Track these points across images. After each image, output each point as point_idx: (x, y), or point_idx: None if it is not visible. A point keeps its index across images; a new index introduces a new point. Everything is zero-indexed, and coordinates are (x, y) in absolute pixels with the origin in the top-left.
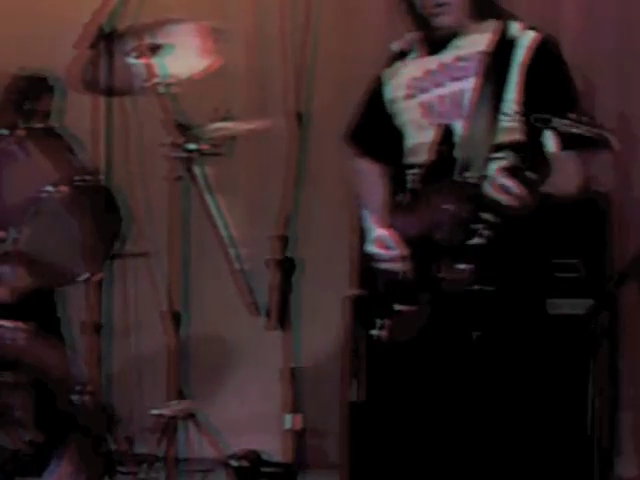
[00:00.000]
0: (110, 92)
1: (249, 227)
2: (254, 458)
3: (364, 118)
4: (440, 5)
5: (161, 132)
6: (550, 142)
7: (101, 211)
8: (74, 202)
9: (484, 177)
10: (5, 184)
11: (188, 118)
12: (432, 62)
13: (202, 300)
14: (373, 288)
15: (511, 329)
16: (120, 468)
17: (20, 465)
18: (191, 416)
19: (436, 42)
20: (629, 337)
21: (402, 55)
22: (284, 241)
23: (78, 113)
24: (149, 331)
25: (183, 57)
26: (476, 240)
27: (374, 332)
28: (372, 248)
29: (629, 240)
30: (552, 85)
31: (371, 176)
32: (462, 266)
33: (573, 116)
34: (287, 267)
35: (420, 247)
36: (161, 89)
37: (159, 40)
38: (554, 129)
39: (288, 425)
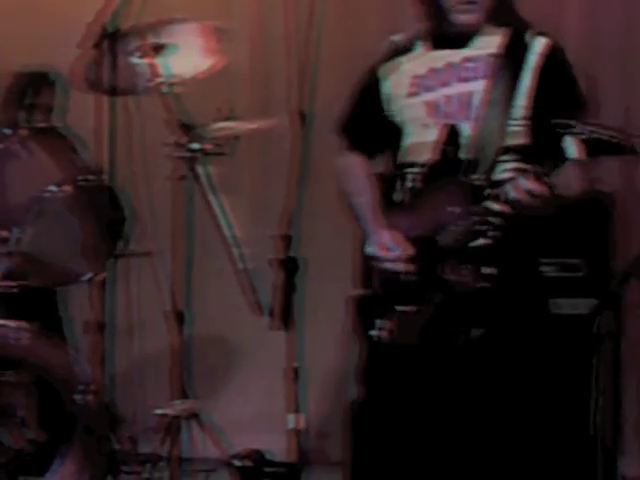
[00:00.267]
0: (113, 92)
1: (252, 226)
2: (257, 458)
3: (357, 111)
4: (469, 2)
5: (164, 132)
6: (572, 148)
7: (104, 211)
8: (77, 202)
9: (490, 179)
10: (8, 184)
11: (191, 118)
12: (438, 61)
13: (205, 300)
14: (374, 288)
15: (514, 329)
16: (123, 468)
17: (23, 464)
18: (194, 416)
19: (442, 39)
20: (632, 337)
21: (402, 51)
22: (287, 241)
23: (81, 113)
24: (152, 331)
25: (186, 57)
26: (481, 241)
27: (375, 333)
28: (373, 250)
29: (633, 239)
30: (562, 91)
31: (360, 173)
32: (467, 267)
33: (597, 122)
34: (290, 267)
35: (423, 248)
36: (164, 89)
37: (162, 40)
38: (577, 135)
39: (291, 425)
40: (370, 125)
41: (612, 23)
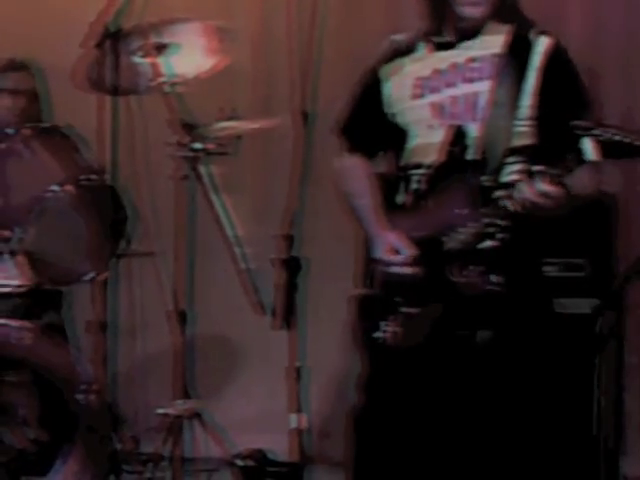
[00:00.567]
0: (116, 91)
1: (255, 226)
2: (260, 457)
3: (357, 112)
4: None
5: (167, 131)
6: (589, 150)
7: (107, 210)
8: (80, 201)
9: (498, 180)
10: (11, 183)
11: (194, 117)
12: (442, 61)
13: (207, 299)
14: (377, 289)
15: (521, 331)
16: (126, 467)
17: (25, 464)
18: (197, 415)
19: (445, 38)
20: (635, 336)
21: (404, 51)
22: (289, 240)
23: (84, 112)
24: (155, 330)
25: (189, 56)
26: (489, 243)
27: (379, 334)
28: (381, 254)
29: (634, 239)
30: (567, 90)
31: (361, 174)
32: (474, 270)
33: (615, 124)
34: (292, 266)
35: (429, 249)
36: (167, 88)
37: (165, 39)
38: (596, 137)
39: (293, 424)
40: (371, 127)
41: (614, 23)
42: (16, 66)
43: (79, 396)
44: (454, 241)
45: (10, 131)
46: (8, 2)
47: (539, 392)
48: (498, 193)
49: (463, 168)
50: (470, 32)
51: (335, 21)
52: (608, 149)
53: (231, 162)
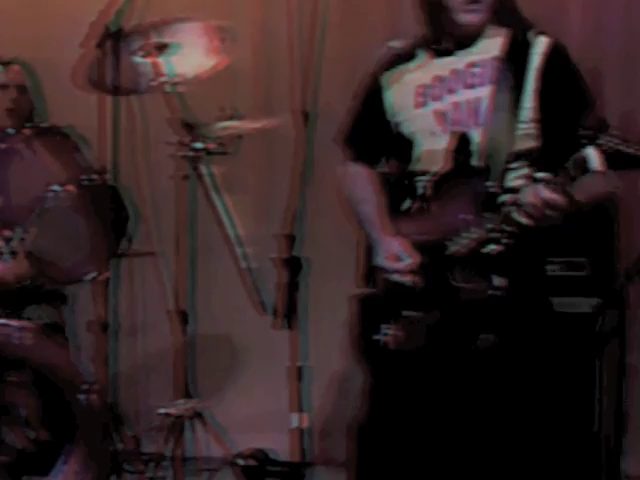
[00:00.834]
0: (117, 91)
1: (256, 226)
2: (261, 457)
3: (360, 122)
4: (474, 2)
5: (168, 131)
6: (593, 159)
7: (108, 210)
8: (81, 201)
9: (503, 186)
10: (12, 183)
11: (195, 117)
12: (442, 68)
13: (209, 299)
14: (379, 291)
15: (520, 331)
16: (127, 467)
17: (27, 464)
18: (198, 415)
19: (447, 41)
20: (637, 335)
21: (404, 58)
22: (291, 240)
23: (85, 112)
24: (156, 330)
25: (190, 56)
26: (492, 247)
27: (380, 337)
28: (383, 261)
29: (636, 238)
30: (568, 89)
31: (365, 181)
32: (478, 275)
33: (620, 134)
34: (294, 266)
35: (432, 254)
36: (168, 88)
37: (166, 39)
38: (600, 146)
39: (295, 424)
40: (374, 136)
41: (614, 23)
42: (2, 61)
43: (80, 396)
44: (457, 246)
45: (11, 131)
46: (9, 2)
47: (541, 392)
48: (503, 198)
49: (468, 174)
50: (469, 38)
51: (336, 21)
52: (612, 159)
53: (232, 162)
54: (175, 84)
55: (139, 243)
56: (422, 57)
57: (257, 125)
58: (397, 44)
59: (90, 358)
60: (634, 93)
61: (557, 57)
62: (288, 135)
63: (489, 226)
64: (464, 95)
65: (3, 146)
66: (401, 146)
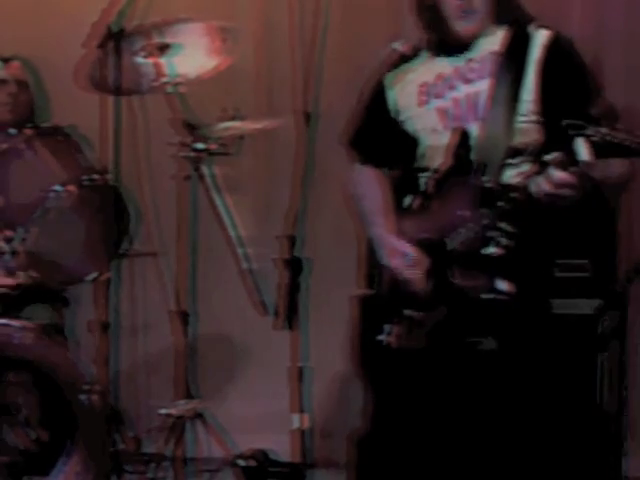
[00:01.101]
0: (118, 91)
1: (257, 226)
2: (262, 458)
3: (365, 124)
4: (468, 12)
5: (169, 131)
6: (582, 150)
7: (109, 210)
8: (82, 201)
9: (499, 182)
10: (13, 183)
11: (196, 117)
12: (445, 67)
13: (210, 299)
14: (381, 290)
15: (521, 333)
16: (127, 467)
17: (28, 464)
18: (199, 416)
19: (447, 45)
20: (638, 336)
21: (407, 58)
22: (292, 241)
23: (86, 112)
24: (157, 330)
25: (191, 56)
26: (493, 248)
27: (383, 337)
28: (388, 260)
29: (637, 239)
30: (570, 82)
31: (373, 182)
32: (478, 273)
33: (608, 124)
34: (295, 267)
35: (432, 251)
36: (169, 88)
37: (167, 39)
38: (588, 137)
39: (296, 425)
40: (380, 138)
41: (615, 21)
42: (2, 57)
43: (81, 396)
44: (454, 242)
45: (12, 131)
46: (10, 2)
47: (542, 394)
48: (503, 192)
49: (469, 170)
50: (468, 42)
51: (337, 21)
52: (600, 149)
53: (233, 162)
54: (177, 84)
55: (140, 243)
56: (424, 56)
57: (259, 126)
58: (400, 46)
59: (91, 358)
60: (636, 87)
61: (558, 49)
62: (290, 136)
63: (484, 222)
64: (464, 90)
65: (4, 146)
66: (406, 144)
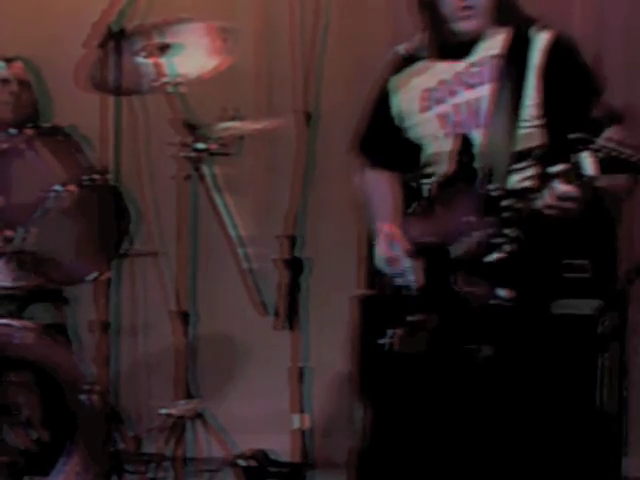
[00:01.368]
0: (119, 91)
1: (257, 226)
2: (262, 458)
3: (371, 128)
4: (468, 8)
5: (170, 131)
6: (587, 164)
7: (109, 210)
8: (82, 201)
9: (506, 189)
10: (14, 183)
11: (197, 117)
12: (446, 71)
13: (210, 300)
14: (381, 291)
15: (521, 339)
16: (128, 467)
17: (28, 464)
18: (199, 416)
19: (449, 47)
20: (637, 337)
21: (410, 60)
22: (292, 241)
23: (87, 112)
24: (157, 330)
25: (192, 56)
26: (496, 254)
27: (384, 341)
28: (384, 265)
29: (638, 239)
30: (572, 84)
31: (381, 185)
32: (480, 281)
33: (616, 138)
34: (295, 267)
35: (434, 257)
36: (170, 88)
37: (168, 39)
38: (594, 151)
39: (296, 425)
40: (388, 142)
41: (616, 19)
42: (5, 58)
43: (81, 396)
44: (458, 249)
45: (13, 131)
46: (11, 2)
47: (542, 394)
48: (508, 201)
49: (472, 177)
50: (469, 44)
51: (337, 21)
52: (606, 165)
53: (234, 162)
54: (177, 84)
55: (141, 243)
56: (426, 61)
57: (259, 126)
58: (403, 49)
59: (91, 358)
60: (636, 88)
61: (559, 52)
62: (290, 136)
63: (489, 230)
64: (464, 96)
65: (5, 146)
66: (412, 150)
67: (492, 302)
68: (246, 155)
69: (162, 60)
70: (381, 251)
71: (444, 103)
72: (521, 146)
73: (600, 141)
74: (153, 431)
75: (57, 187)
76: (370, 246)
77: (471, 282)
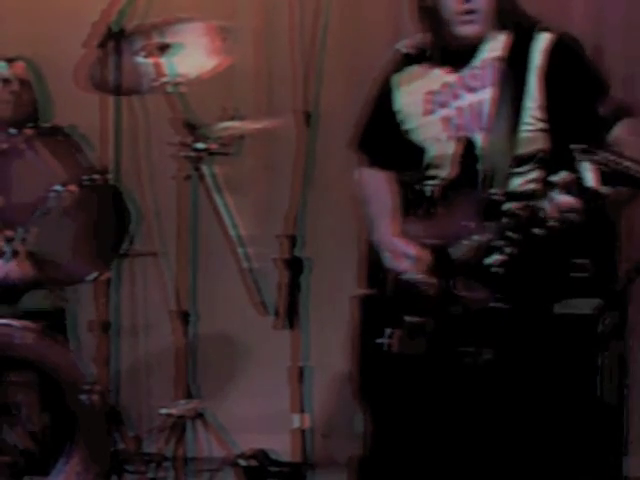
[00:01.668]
0: (118, 91)
1: (257, 226)
2: (262, 457)
3: (372, 126)
4: (469, 12)
5: (169, 131)
6: (589, 176)
7: (109, 210)
8: (82, 201)
9: (507, 193)
10: (14, 183)
11: (196, 117)
12: (449, 75)
13: (210, 299)
14: (382, 291)
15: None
16: (128, 467)
17: (28, 464)
18: (199, 415)
19: (451, 51)
20: (638, 336)
21: (411, 59)
22: (292, 240)
23: (87, 112)
24: (157, 330)
25: (191, 56)
26: (496, 257)
27: (383, 341)
28: (393, 263)
29: (638, 239)
30: (574, 85)
31: (380, 183)
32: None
33: (619, 151)
34: (295, 266)
35: (435, 260)
36: (169, 88)
37: (167, 39)
38: (597, 163)
39: (296, 424)
40: (388, 140)
41: (615, 17)
42: (7, 58)
43: (82, 396)
44: (458, 253)
45: (13, 131)
46: (11, 2)
47: (543, 394)
48: (509, 205)
49: (474, 180)
50: (471, 48)
51: (337, 21)
52: (608, 178)
53: (234, 162)
54: (177, 84)
55: (141, 243)
56: (429, 62)
57: (259, 125)
58: (404, 47)
59: (91, 358)
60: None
61: (561, 53)
62: (290, 135)
63: (489, 234)
64: (467, 99)
65: (5, 146)
66: (413, 150)
67: (492, 305)
68: (246, 155)
69: (162, 60)
70: (397, 266)
71: (448, 107)
72: (524, 149)
73: (603, 153)
74: (153, 431)
75: (57, 187)
76: (370, 246)
77: (471, 286)
